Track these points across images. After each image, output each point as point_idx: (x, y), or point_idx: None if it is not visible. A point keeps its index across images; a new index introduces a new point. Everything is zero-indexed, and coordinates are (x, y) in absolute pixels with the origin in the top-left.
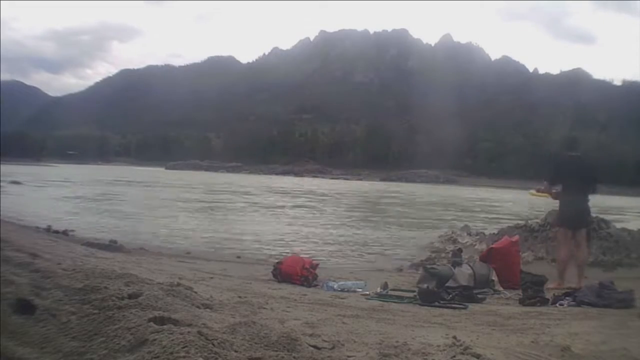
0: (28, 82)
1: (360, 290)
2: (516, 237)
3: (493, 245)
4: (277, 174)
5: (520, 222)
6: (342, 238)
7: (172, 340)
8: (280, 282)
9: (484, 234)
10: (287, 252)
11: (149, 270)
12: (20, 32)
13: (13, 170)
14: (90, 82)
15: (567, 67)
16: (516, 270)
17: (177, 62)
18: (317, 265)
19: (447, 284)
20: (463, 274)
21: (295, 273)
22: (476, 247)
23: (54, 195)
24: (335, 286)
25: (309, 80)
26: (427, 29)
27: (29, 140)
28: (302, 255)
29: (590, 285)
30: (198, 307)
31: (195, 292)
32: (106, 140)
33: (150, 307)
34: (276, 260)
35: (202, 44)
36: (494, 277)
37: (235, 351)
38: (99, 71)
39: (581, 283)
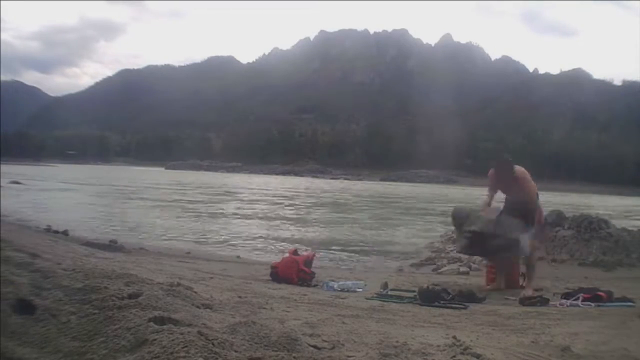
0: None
1: (360, 290)
2: None
3: None
4: (277, 174)
5: None
6: (343, 238)
7: (172, 340)
8: (280, 282)
9: None
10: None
11: (149, 270)
12: (8, 32)
13: (13, 170)
14: (79, 81)
15: (567, 67)
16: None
17: (163, 61)
18: (313, 257)
19: (465, 227)
20: (481, 220)
21: (292, 277)
22: None
23: (53, 196)
24: (335, 286)
25: (309, 80)
26: (427, 29)
27: (28, 140)
28: (293, 247)
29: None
30: (198, 307)
31: (195, 292)
32: (106, 140)
33: (150, 307)
34: (272, 264)
35: (193, 44)
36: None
37: (235, 351)
38: (87, 71)
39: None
